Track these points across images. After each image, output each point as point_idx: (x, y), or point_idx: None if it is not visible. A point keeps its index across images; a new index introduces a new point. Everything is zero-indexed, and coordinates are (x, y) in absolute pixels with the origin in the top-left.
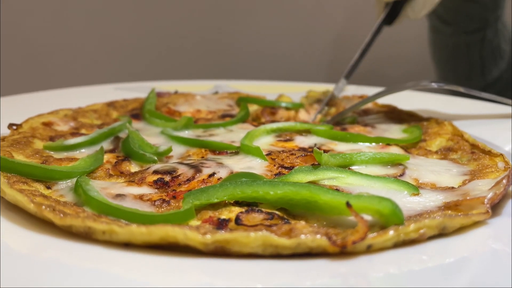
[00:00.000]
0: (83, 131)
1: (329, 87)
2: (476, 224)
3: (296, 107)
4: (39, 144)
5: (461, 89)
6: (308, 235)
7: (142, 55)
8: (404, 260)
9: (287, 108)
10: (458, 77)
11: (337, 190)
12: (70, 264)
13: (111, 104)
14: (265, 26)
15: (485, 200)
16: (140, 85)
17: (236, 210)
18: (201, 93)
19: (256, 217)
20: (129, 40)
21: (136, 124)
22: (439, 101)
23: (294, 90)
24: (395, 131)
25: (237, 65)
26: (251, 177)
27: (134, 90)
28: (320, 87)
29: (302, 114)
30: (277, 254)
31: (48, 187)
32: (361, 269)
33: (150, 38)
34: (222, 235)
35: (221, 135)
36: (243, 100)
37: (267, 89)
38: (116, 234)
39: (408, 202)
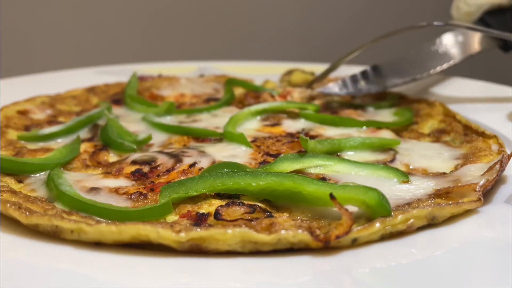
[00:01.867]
0: (61, 119)
1: (317, 66)
2: (467, 212)
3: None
4: (13, 135)
5: (465, 25)
6: (289, 230)
7: (125, 36)
8: (392, 254)
9: (271, 96)
10: None
11: (324, 179)
12: (38, 264)
13: (92, 90)
14: (253, 2)
15: (477, 187)
16: (124, 68)
17: (217, 203)
18: (186, 76)
19: (237, 210)
20: (111, 20)
21: (117, 110)
22: (433, 82)
23: (280, 71)
24: (386, 114)
25: (225, 44)
26: (233, 167)
27: (117, 74)
28: (307, 67)
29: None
30: (257, 251)
31: (20, 181)
32: (346, 265)
33: (132, 17)
34: (198, 233)
35: (205, 121)
36: (228, 83)
37: (255, 70)
38: (85, 233)
39: (397, 190)
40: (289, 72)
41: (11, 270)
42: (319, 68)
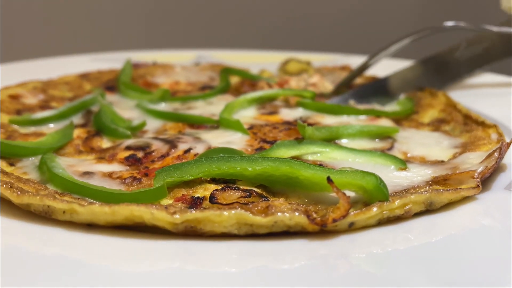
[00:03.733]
0: (53, 104)
1: (317, 56)
2: (465, 199)
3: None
4: (4, 118)
5: (471, 26)
6: (285, 212)
7: (122, 23)
8: (388, 240)
9: (268, 84)
10: None
11: (321, 165)
12: (29, 249)
13: (85, 76)
14: None
15: (475, 174)
16: (120, 55)
17: (212, 187)
18: (181, 63)
19: (233, 194)
20: (108, 6)
21: (111, 97)
22: None
23: (279, 60)
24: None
25: (224, 32)
26: (229, 153)
27: (114, 61)
28: (306, 56)
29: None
30: (253, 234)
31: (11, 164)
32: (342, 250)
33: (131, 4)
34: (193, 214)
35: (200, 108)
36: (224, 72)
37: (254, 59)
38: (77, 214)
39: (394, 177)
40: (286, 62)
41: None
42: (318, 57)
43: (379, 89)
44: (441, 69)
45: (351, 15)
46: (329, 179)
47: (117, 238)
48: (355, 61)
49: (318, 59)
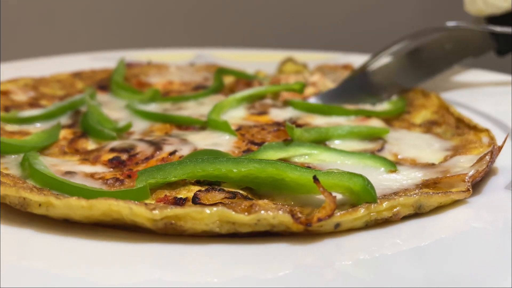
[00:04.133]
0: (43, 102)
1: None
2: (455, 203)
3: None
4: None
5: (472, 26)
6: (269, 211)
7: (123, 21)
8: (376, 245)
9: (260, 84)
10: None
11: (309, 167)
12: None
13: (78, 74)
14: None
15: (466, 177)
16: (120, 54)
17: (196, 189)
18: (176, 63)
19: (216, 195)
20: (109, 4)
21: (102, 97)
22: None
23: (279, 58)
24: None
25: (223, 31)
26: (214, 155)
27: (113, 60)
28: (304, 55)
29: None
30: (235, 232)
31: None
32: (328, 257)
33: (130, 2)
34: (173, 211)
35: (190, 109)
36: (218, 72)
37: (253, 58)
38: (53, 207)
39: (384, 180)
40: (284, 62)
41: None
42: (318, 56)
43: (364, 85)
44: (421, 63)
45: (352, 14)
46: (315, 178)
47: (93, 240)
48: (356, 59)
49: (318, 57)
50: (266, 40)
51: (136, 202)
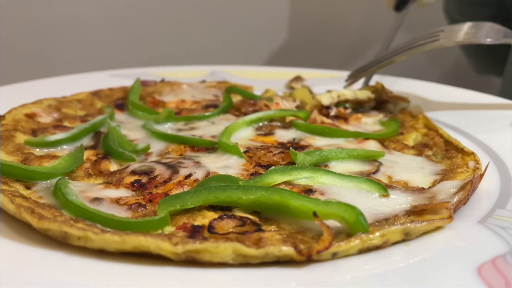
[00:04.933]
0: (66, 123)
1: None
2: (439, 227)
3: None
4: (21, 138)
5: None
6: (275, 245)
7: (141, 40)
8: (369, 265)
9: (266, 106)
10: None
11: (310, 190)
12: (42, 274)
13: (96, 94)
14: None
15: (449, 205)
16: (137, 71)
17: (210, 214)
18: (188, 81)
19: (229, 223)
20: (127, 22)
21: (120, 116)
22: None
23: (288, 76)
24: (374, 123)
25: (237, 48)
26: (226, 181)
27: (131, 77)
28: (313, 73)
29: (283, 104)
30: (246, 263)
31: (28, 187)
32: (328, 274)
33: (146, 21)
34: (193, 246)
35: (202, 128)
36: (227, 91)
37: (264, 75)
38: (91, 241)
39: (377, 205)
40: (296, 79)
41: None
42: (328, 74)
43: None
44: None
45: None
46: (315, 214)
47: (125, 264)
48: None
49: (325, 75)
50: (275, 59)
51: (161, 237)
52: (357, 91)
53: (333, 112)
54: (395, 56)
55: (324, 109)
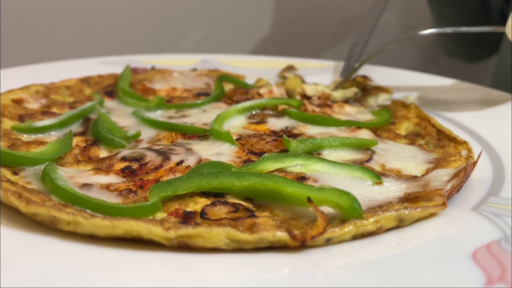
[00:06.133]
0: (54, 109)
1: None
2: (434, 214)
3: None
4: (7, 124)
5: (449, 30)
6: (269, 230)
7: (132, 26)
8: (363, 251)
9: (258, 94)
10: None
11: (304, 177)
12: (33, 260)
13: (85, 80)
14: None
15: (442, 192)
16: (127, 58)
17: (203, 201)
18: (179, 69)
19: (221, 209)
20: (119, 8)
21: (109, 103)
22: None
23: (280, 66)
24: (366, 112)
25: (229, 37)
26: (218, 167)
27: (121, 64)
28: (307, 62)
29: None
30: (240, 249)
31: (15, 173)
32: (321, 260)
33: (139, 8)
34: (185, 231)
35: (193, 116)
36: (219, 79)
37: (258, 65)
38: (81, 226)
39: (370, 192)
40: (288, 68)
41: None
42: (321, 64)
43: None
44: None
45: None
46: (309, 200)
47: (116, 249)
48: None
49: (317, 65)
50: (269, 47)
51: (153, 222)
52: (345, 91)
53: (316, 102)
54: (386, 46)
55: (305, 99)
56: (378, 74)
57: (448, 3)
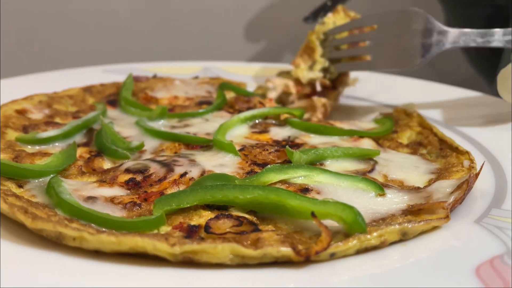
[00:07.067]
0: (57, 119)
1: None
2: (436, 227)
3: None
4: (11, 135)
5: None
6: (273, 245)
7: (134, 34)
8: (367, 265)
9: (260, 102)
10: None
11: (307, 189)
12: (38, 275)
13: (88, 89)
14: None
15: (445, 205)
16: (129, 66)
17: (206, 214)
18: (181, 77)
19: (225, 223)
20: (121, 17)
21: (112, 112)
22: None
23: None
24: (368, 121)
25: (231, 45)
26: (222, 179)
27: (124, 73)
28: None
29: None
30: (244, 264)
31: (20, 186)
32: (326, 274)
33: (141, 16)
34: (190, 246)
35: (196, 125)
36: (221, 87)
37: (260, 72)
38: (86, 242)
39: (373, 204)
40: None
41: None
42: None
43: None
44: None
45: None
46: (313, 214)
47: (122, 265)
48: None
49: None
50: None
51: (158, 238)
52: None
53: (318, 87)
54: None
55: (299, 87)
56: (379, 82)
57: (461, 1)
